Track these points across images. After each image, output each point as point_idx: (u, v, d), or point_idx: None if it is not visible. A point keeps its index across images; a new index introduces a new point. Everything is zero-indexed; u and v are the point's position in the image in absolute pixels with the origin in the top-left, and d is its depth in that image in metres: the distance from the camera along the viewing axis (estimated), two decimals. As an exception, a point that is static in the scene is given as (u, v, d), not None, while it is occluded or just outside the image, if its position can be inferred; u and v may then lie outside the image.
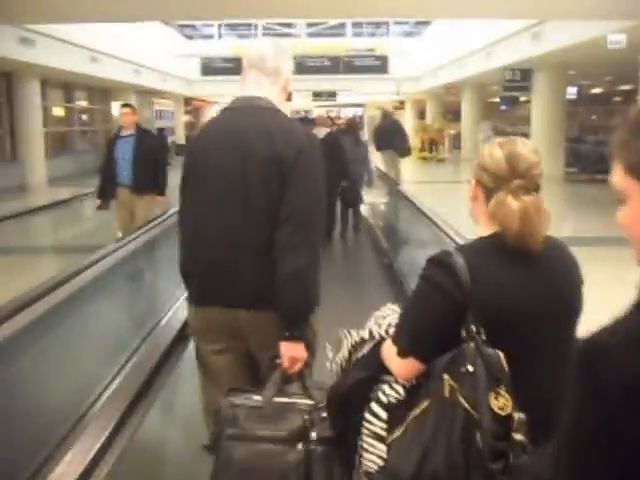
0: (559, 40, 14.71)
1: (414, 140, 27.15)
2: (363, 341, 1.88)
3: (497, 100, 32.65)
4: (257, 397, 2.15)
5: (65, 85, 22.04)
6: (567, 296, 1.69)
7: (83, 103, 24.30)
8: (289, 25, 33.66)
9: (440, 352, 1.54)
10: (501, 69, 18.76)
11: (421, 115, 36.81)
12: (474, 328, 1.52)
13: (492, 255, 1.64)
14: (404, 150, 13.98)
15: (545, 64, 17.46)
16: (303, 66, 26.51)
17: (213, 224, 2.37)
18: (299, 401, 2.15)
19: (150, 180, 7.31)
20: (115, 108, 25.80)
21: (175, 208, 5.08)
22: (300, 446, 2.03)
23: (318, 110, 43.41)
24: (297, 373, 2.29)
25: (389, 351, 1.69)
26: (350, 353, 1.90)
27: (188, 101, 36.66)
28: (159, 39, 27.72)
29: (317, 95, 33.44)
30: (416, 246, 7.59)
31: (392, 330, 1.75)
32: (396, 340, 1.67)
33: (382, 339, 1.80)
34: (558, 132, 18.05)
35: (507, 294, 1.59)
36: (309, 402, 2.13)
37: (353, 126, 10.96)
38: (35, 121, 18.27)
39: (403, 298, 5.00)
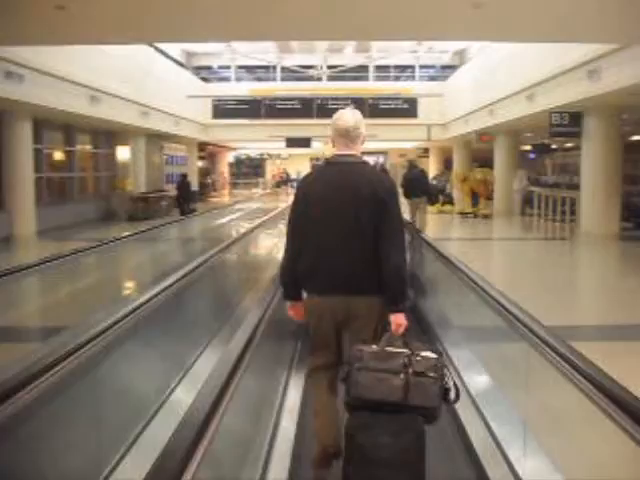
0: (619, 79, 12.72)
1: (457, 191, 24.83)
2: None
3: (526, 148, 30.98)
4: (374, 346, 3.22)
5: (65, 127, 20.24)
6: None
7: (85, 147, 22.46)
8: (309, 67, 32.04)
9: None
10: (543, 113, 16.77)
11: (446, 163, 34.98)
12: None
13: None
14: (431, 198, 15.37)
15: (598, 107, 15.43)
16: (324, 109, 24.73)
17: (334, 242, 3.51)
18: (401, 350, 3.18)
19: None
20: (120, 153, 24.16)
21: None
22: (402, 376, 3.08)
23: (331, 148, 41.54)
24: (402, 334, 3.38)
25: None
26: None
27: (202, 146, 34.94)
28: (171, 79, 26.19)
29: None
30: (439, 291, 7.96)
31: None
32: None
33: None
34: (613, 183, 15.91)
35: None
36: (407, 351, 3.17)
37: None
38: (25, 166, 16.37)
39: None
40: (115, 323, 3.93)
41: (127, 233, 13.58)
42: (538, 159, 38.03)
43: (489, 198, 22.85)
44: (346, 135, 3.55)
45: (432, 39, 22.96)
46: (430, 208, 19.82)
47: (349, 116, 3.59)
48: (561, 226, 18.47)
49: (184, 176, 23.63)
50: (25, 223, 16.35)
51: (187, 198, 22.62)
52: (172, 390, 4.82)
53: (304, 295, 3.72)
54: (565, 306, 8.67)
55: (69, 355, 3.20)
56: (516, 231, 19.27)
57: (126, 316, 4.13)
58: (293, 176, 51.24)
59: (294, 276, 3.66)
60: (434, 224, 19.23)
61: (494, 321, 4.55)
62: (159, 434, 3.79)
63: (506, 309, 4.18)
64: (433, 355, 3.13)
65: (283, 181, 48.10)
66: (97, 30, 9.93)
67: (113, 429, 3.95)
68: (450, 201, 24.52)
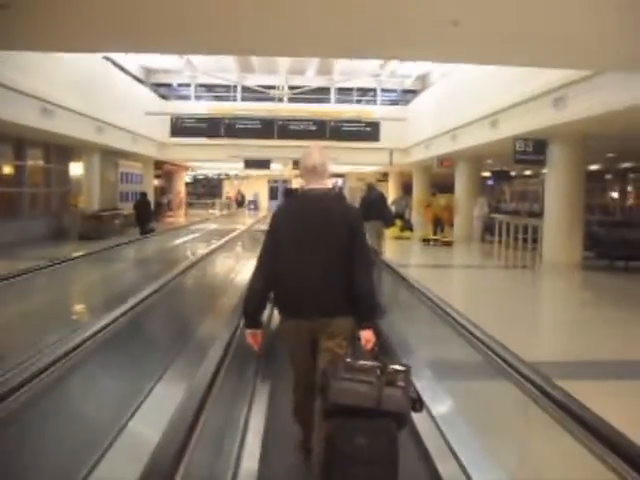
0: (585, 108, 12.57)
1: (424, 217, 24.43)
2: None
3: (486, 175, 30.97)
4: (348, 360, 3.40)
5: (15, 140, 19.43)
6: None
7: (36, 161, 21.61)
8: (271, 87, 31.67)
9: None
10: (507, 140, 16.60)
11: (405, 188, 34.88)
12: None
13: None
14: (388, 221, 15.20)
15: (563, 135, 15.29)
16: (285, 130, 24.33)
17: (309, 267, 3.81)
18: (373, 363, 3.37)
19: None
20: (74, 168, 23.38)
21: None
22: (375, 384, 3.23)
23: (299, 180, 41.39)
24: (370, 349, 3.78)
25: None
26: None
27: (159, 164, 34.21)
28: (129, 95, 25.54)
29: (298, 163, 31.03)
30: (398, 309, 8.36)
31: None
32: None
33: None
34: (576, 212, 15.77)
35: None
36: (379, 363, 3.35)
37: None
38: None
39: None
40: (67, 353, 3.79)
41: (79, 253, 12.93)
42: (497, 186, 38.27)
43: (451, 225, 22.64)
44: (314, 171, 3.95)
45: (409, 59, 22.47)
46: (387, 233, 19.55)
47: (316, 155, 4.00)
48: (522, 254, 18.28)
49: (144, 195, 22.81)
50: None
51: (146, 217, 21.79)
52: (126, 422, 4.59)
53: (265, 322, 4.25)
54: (533, 340, 8.33)
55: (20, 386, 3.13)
56: (478, 259, 19.03)
57: (79, 345, 4.01)
58: (250, 198, 50.72)
59: (263, 302, 3.96)
60: (394, 250, 18.89)
61: (462, 349, 4.76)
62: (113, 468, 3.86)
63: (485, 344, 4.29)
64: (402, 367, 3.38)
65: (238, 202, 47.30)
66: (47, 35, 9.27)
67: (63, 462, 3.76)
68: (409, 227, 24.15)
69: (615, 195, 31.14)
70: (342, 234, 3.81)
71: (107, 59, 24.42)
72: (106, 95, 22.22)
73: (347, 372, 3.33)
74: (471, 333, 4.64)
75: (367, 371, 3.31)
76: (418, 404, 3.37)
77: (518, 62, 11.59)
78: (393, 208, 24.74)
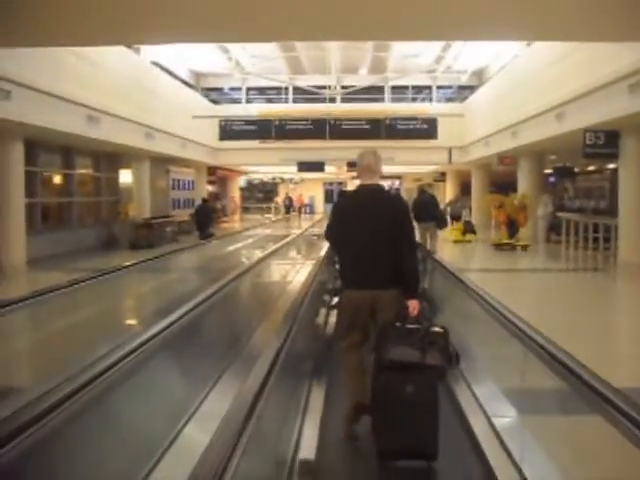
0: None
1: (496, 218, 21.99)
2: None
3: (547, 172, 29.58)
4: (398, 324, 4.26)
5: (63, 149, 19.10)
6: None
7: (85, 170, 21.30)
8: (322, 87, 30.90)
9: None
10: (574, 133, 15.46)
11: (464, 188, 33.66)
12: None
13: None
14: (441, 222, 15.35)
15: (637, 126, 14.10)
16: (338, 130, 23.51)
17: (365, 248, 4.63)
18: (417, 326, 4.25)
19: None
20: (123, 176, 23.04)
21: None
22: (419, 344, 4.10)
23: (354, 182, 40.64)
24: (416, 315, 4.42)
25: None
26: None
27: (212, 170, 33.79)
28: (178, 100, 25.12)
29: (352, 165, 30.03)
30: (448, 306, 8.54)
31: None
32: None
33: None
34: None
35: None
36: (422, 326, 4.25)
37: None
38: (14, 189, 15.16)
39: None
40: (118, 361, 3.99)
41: (129, 262, 12.59)
42: (559, 183, 36.62)
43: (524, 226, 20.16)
44: (368, 170, 4.78)
45: (460, 38, 20.86)
46: (445, 236, 18.64)
47: (370, 156, 4.84)
48: (594, 255, 17.06)
49: (205, 200, 23.03)
50: (15, 251, 15.11)
51: (206, 223, 21.75)
52: (182, 428, 4.58)
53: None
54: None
55: (74, 393, 3.30)
56: (552, 262, 17.23)
57: (132, 352, 4.23)
58: (306, 201, 49.81)
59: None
60: (456, 254, 17.87)
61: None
62: (168, 476, 3.84)
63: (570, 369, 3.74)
64: (441, 330, 4.25)
65: (287, 207, 45.65)
66: (61, 29, 8.60)
67: (119, 471, 3.79)
68: (471, 229, 22.02)
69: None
70: (389, 221, 4.61)
71: (155, 64, 24.05)
72: (155, 101, 21.81)
73: (398, 335, 4.20)
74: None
75: (413, 333, 4.19)
76: (455, 359, 4.56)
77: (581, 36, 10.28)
78: (448, 210, 23.65)
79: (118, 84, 18.37)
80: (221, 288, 7.17)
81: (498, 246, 18.95)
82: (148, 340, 4.63)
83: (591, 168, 33.04)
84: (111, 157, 22.17)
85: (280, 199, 48.07)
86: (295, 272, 13.24)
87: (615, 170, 30.09)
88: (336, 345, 5.09)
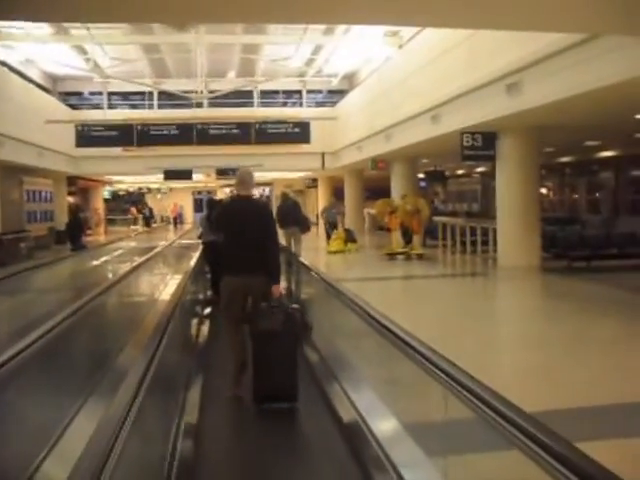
0: (542, 95, 11.16)
1: (389, 225, 19.16)
2: None
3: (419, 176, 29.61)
4: (264, 304, 5.83)
5: None
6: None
7: None
8: (189, 92, 29.56)
9: None
10: (448, 135, 15.14)
11: (337, 193, 33.22)
12: None
13: None
14: (304, 227, 15.88)
15: (515, 126, 13.89)
16: (205, 135, 22.35)
17: (242, 243, 5.98)
18: (277, 304, 5.85)
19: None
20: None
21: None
22: (282, 316, 5.76)
23: (224, 190, 39.45)
24: (278, 297, 5.95)
25: None
26: None
27: (72, 180, 31.63)
28: (33, 105, 23.10)
29: (221, 173, 28.84)
30: (310, 301, 9.57)
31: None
32: None
33: None
34: (532, 210, 14.38)
35: None
36: (281, 304, 5.93)
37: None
38: None
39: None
40: None
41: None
42: (429, 187, 36.97)
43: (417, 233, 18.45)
44: (244, 183, 6.27)
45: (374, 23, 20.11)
46: (324, 246, 17.57)
47: (245, 174, 6.42)
48: (472, 259, 16.88)
49: (76, 211, 23.94)
50: None
51: (79, 234, 21.87)
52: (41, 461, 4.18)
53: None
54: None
55: None
56: (431, 267, 16.54)
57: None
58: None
59: None
60: (349, 265, 17.22)
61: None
62: None
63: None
64: (297, 306, 6.43)
65: (146, 218, 43.72)
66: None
67: None
68: (353, 239, 20.49)
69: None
70: (257, 223, 6.05)
71: (3, 64, 22.00)
72: (3, 104, 19.85)
73: (265, 310, 5.78)
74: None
75: (275, 310, 5.79)
76: (309, 327, 7.95)
77: (511, 25, 9.47)
78: (324, 217, 22.78)
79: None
80: (81, 307, 6.67)
81: (390, 255, 17.67)
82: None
83: (461, 172, 33.58)
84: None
85: (135, 209, 46.01)
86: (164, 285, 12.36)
87: (485, 173, 30.73)
88: (221, 318, 6.88)
